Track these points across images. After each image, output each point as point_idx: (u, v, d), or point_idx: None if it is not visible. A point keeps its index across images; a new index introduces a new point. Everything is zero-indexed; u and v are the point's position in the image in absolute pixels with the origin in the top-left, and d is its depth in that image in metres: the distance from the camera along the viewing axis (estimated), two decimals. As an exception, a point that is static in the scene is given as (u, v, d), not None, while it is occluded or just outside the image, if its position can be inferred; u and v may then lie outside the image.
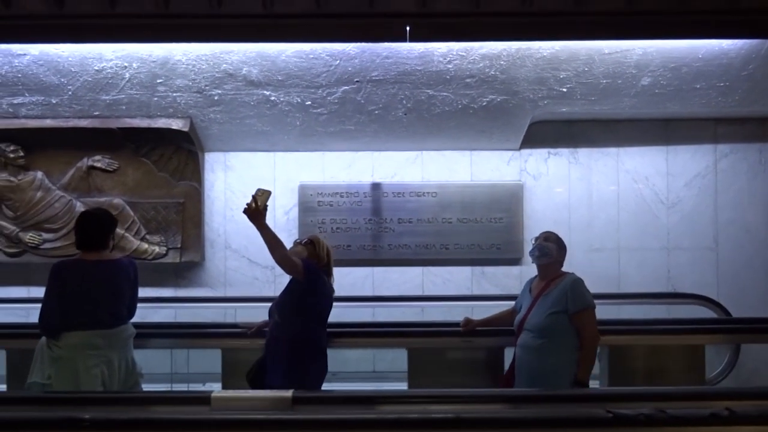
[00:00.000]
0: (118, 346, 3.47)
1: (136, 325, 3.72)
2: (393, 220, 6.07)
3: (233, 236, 6.09)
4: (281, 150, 6.08)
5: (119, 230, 5.79)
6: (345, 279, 6.06)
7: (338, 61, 5.04)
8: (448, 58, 5.01)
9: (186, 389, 3.19)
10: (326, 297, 3.65)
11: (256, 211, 3.38)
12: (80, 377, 3.26)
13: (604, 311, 5.48)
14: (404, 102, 5.42)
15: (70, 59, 4.99)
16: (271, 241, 3.41)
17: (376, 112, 5.54)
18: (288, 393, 2.72)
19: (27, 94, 5.31)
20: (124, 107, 5.46)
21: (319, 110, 5.52)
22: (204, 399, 2.70)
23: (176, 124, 5.59)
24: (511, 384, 3.63)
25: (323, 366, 3.62)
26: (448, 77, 5.16)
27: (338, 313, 5.57)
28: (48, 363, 3.33)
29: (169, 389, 3.22)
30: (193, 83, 5.23)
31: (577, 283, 3.51)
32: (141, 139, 5.74)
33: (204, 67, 5.08)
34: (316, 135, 5.85)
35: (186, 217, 5.92)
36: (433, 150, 6.10)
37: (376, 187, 6.09)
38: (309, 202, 6.06)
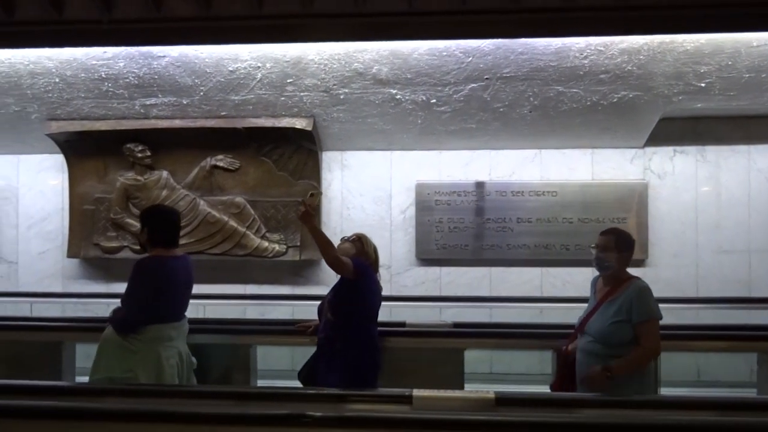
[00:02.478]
0: (183, 338, 3.56)
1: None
2: (512, 219, 5.97)
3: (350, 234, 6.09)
4: (398, 149, 6.07)
5: (241, 228, 5.93)
6: (461, 279, 6.03)
7: (470, 58, 4.98)
8: (585, 54, 4.88)
9: (386, 388, 3.13)
10: (376, 294, 3.63)
11: (308, 214, 3.36)
12: (162, 368, 3.32)
13: (729, 315, 5.29)
14: (531, 99, 5.32)
15: (206, 60, 5.09)
16: (323, 243, 3.39)
17: (501, 109, 5.45)
18: (490, 393, 2.67)
19: (160, 95, 5.45)
20: (250, 107, 5.54)
21: (442, 108, 5.47)
22: (405, 398, 2.67)
23: (300, 124, 5.64)
24: (566, 388, 3.41)
25: (377, 362, 3.60)
26: (581, 73, 5.03)
27: (455, 313, 5.59)
28: (127, 356, 3.31)
29: (372, 389, 3.16)
30: (321, 82, 5.26)
31: (644, 291, 3.14)
32: (263, 138, 5.82)
33: (335, 66, 5.10)
34: (436, 133, 5.80)
35: (305, 216, 5.95)
36: (552, 148, 5.97)
37: (493, 185, 6.00)
38: (426, 201, 6.02)
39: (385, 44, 4.91)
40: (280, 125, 5.66)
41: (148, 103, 5.54)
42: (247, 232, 5.94)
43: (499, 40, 4.82)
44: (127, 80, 5.29)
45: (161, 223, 3.47)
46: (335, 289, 3.58)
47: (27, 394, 2.92)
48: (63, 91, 5.43)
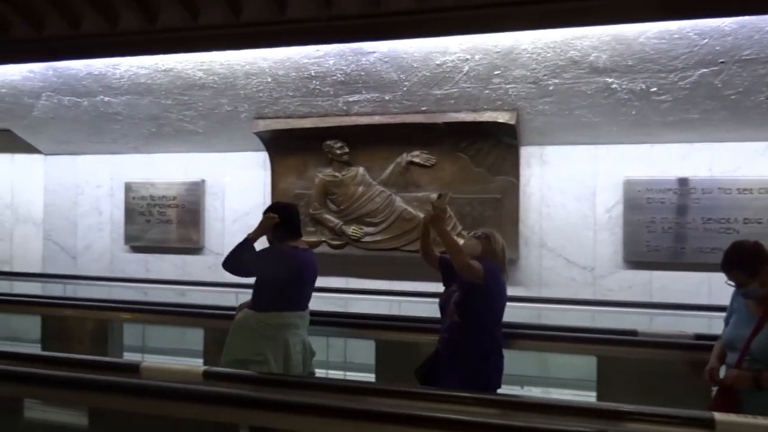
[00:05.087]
0: (306, 327, 3.69)
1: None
2: (737, 219, 5.34)
3: (549, 234, 5.79)
4: (604, 143, 5.65)
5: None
6: (675, 284, 5.50)
7: (706, 40, 4.48)
8: None
9: (682, 409, 2.81)
10: (503, 296, 3.46)
11: (438, 217, 3.23)
12: (290, 355, 3.46)
13: None
14: (771, 84, 4.70)
15: (415, 55, 5.03)
16: (453, 247, 3.21)
17: (732, 97, 4.87)
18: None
19: (364, 92, 5.48)
20: (452, 101, 5.42)
21: (662, 97, 4.99)
22: (706, 422, 2.35)
23: (502, 117, 5.42)
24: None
25: (501, 366, 3.43)
26: (842, 52, 4.35)
27: (668, 322, 5.08)
28: (258, 340, 3.46)
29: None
30: (531, 73, 5.00)
31: None
32: (462, 133, 5.67)
33: (549, 55, 4.82)
34: (650, 125, 5.33)
35: (503, 214, 5.74)
36: (789, 140, 5.27)
37: (714, 182, 5.40)
38: (635, 199, 5.55)
39: (609, 29, 4.55)
40: (481, 119, 5.48)
41: (351, 99, 5.60)
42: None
43: (745, 18, 4.28)
44: (334, 77, 5.36)
45: (284, 217, 3.62)
46: (463, 290, 3.37)
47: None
48: (273, 91, 5.64)
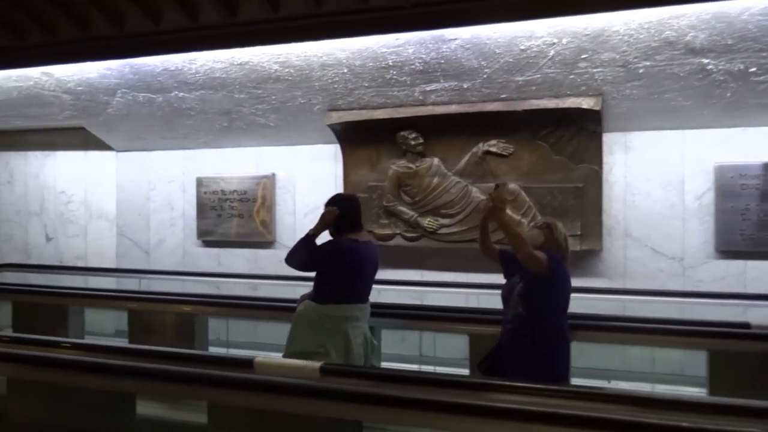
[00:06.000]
0: (366, 320, 3.71)
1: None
2: (840, 205, 5.05)
3: (634, 223, 5.59)
4: (693, 127, 5.41)
5: (516, 216, 5.68)
6: (773, 279, 5.24)
7: (816, 16, 4.22)
8: None
9: None
10: (568, 286, 3.41)
11: (497, 209, 3.18)
12: (350, 347, 3.48)
13: None
14: None
15: (498, 40, 4.88)
16: (515, 238, 3.17)
17: (838, 75, 4.60)
18: None
19: (442, 80, 5.36)
20: (534, 88, 5.25)
21: (761, 78, 4.74)
22: None
23: (587, 103, 5.23)
24: None
25: (568, 357, 3.39)
26: None
27: (764, 314, 4.84)
28: (319, 332, 3.49)
29: None
30: (620, 56, 4.81)
31: None
32: (542, 120, 5.49)
33: (642, 36, 4.62)
34: (744, 108, 5.07)
35: (585, 203, 5.55)
36: None
37: (816, 167, 5.12)
38: (728, 186, 5.30)
39: (709, 6, 4.32)
40: (564, 106, 5.30)
41: (427, 89, 5.48)
42: (522, 220, 5.67)
43: None
44: (413, 66, 5.26)
45: (345, 210, 3.64)
46: (526, 281, 3.32)
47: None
48: (348, 82, 5.56)
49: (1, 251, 8.08)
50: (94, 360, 2.91)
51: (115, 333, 6.59)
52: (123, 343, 5.09)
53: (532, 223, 3.66)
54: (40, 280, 7.03)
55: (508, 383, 2.68)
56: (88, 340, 5.21)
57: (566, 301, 3.44)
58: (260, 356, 3.00)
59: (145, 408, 3.37)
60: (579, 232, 5.55)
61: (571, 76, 5.07)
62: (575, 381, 4.16)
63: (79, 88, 6.33)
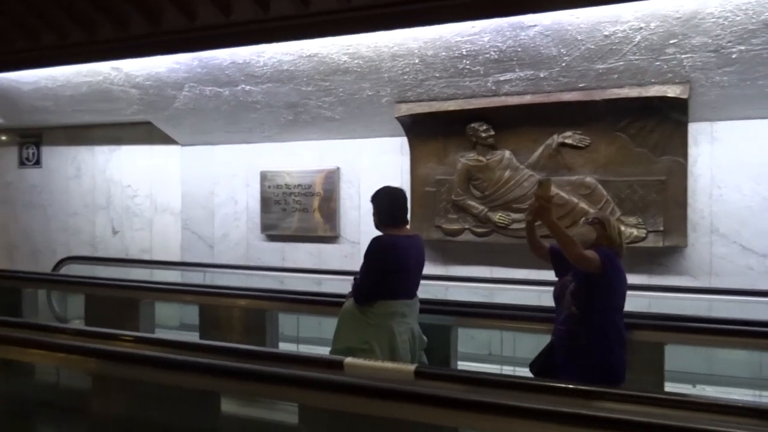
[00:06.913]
0: (415, 315, 3.63)
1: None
2: None
3: (721, 219, 5.28)
4: (787, 116, 5.07)
5: (593, 211, 5.43)
6: None
7: None
8: None
9: None
10: (623, 283, 3.28)
11: (544, 208, 3.03)
12: (395, 343, 3.41)
13: None
14: None
15: (581, 26, 4.65)
16: (564, 238, 3.03)
17: None
18: None
19: (517, 70, 5.16)
20: (615, 76, 5.00)
21: None
22: None
23: (672, 91, 4.94)
24: None
25: (624, 357, 3.24)
26: None
27: None
28: (364, 329, 3.44)
29: None
30: (712, 41, 4.51)
31: None
32: (622, 110, 5.23)
33: (738, 18, 4.32)
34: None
35: (668, 197, 5.26)
36: None
37: None
38: (827, 179, 4.95)
39: (817, -16, 4.01)
40: (647, 94, 5.02)
41: (501, 78, 5.29)
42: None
43: None
44: (487, 55, 5.07)
45: (387, 204, 3.56)
46: (579, 281, 3.18)
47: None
48: (419, 72, 5.41)
49: (69, 244, 8.26)
50: (187, 359, 2.85)
51: (179, 326, 6.64)
52: (192, 337, 5.09)
53: (583, 219, 3.49)
54: (105, 272, 7.13)
55: (623, 392, 2.48)
56: (164, 335, 5.22)
57: (622, 300, 3.32)
58: (351, 358, 2.89)
59: (228, 406, 3.32)
60: (662, 228, 5.28)
61: (657, 63, 4.80)
62: (668, 386, 3.97)
63: (147, 83, 6.36)
